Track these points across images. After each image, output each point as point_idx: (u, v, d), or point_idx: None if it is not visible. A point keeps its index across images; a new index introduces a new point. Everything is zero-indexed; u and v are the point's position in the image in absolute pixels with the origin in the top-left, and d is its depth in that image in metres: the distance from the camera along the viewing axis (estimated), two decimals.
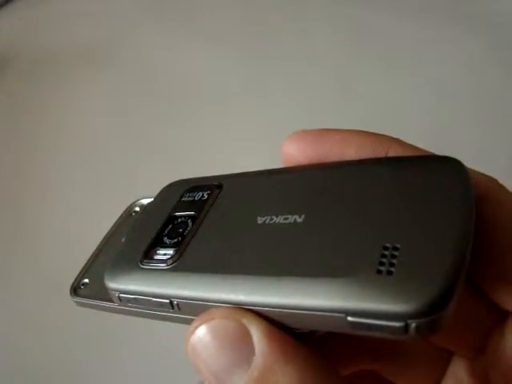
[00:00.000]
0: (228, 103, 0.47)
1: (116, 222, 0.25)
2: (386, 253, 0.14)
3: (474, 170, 0.17)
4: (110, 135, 0.45)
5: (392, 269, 0.14)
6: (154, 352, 0.32)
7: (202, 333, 0.15)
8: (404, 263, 0.14)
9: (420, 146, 0.44)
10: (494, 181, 0.17)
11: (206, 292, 0.16)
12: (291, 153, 0.19)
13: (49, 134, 0.46)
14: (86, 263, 0.24)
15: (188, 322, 0.17)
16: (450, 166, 0.16)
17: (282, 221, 0.17)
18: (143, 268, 0.19)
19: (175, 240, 0.19)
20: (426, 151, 0.18)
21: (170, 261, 0.18)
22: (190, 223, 0.19)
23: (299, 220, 0.17)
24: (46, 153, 0.44)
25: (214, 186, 0.20)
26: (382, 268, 0.14)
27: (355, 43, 0.52)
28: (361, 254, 0.14)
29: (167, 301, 0.17)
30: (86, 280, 0.24)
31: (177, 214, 0.20)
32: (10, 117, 0.48)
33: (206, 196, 0.20)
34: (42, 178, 0.42)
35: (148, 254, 0.19)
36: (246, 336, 0.14)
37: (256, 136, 0.44)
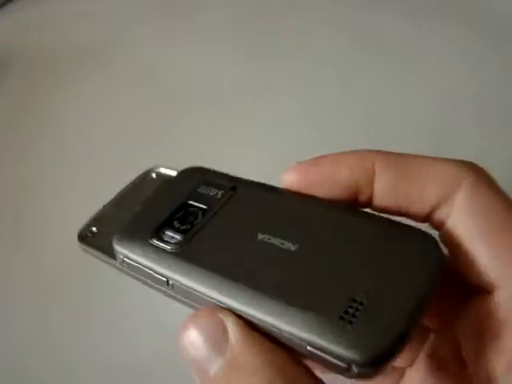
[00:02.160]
0: (228, 103, 0.47)
1: (131, 182, 0.28)
2: (353, 305, 0.16)
3: (449, 161, 0.19)
4: (110, 135, 0.45)
5: (353, 320, 0.16)
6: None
7: (188, 332, 0.18)
8: (363, 319, 0.16)
9: (421, 146, 0.45)
10: (470, 171, 0.19)
11: (197, 284, 0.19)
12: (290, 183, 0.21)
13: (49, 134, 0.46)
14: (97, 212, 0.26)
15: (177, 299, 0.20)
16: (426, 243, 0.18)
17: (277, 244, 0.19)
18: (151, 244, 0.21)
19: (184, 227, 0.21)
20: (406, 156, 0.20)
21: (176, 245, 0.20)
22: (200, 216, 0.21)
23: (292, 248, 0.19)
24: (47, 153, 0.44)
25: (229, 187, 0.22)
26: (345, 317, 0.16)
27: (355, 43, 0.53)
28: (332, 298, 0.17)
29: (165, 279, 0.20)
30: (94, 229, 0.26)
31: (190, 202, 0.22)
32: (9, 117, 0.48)
33: (219, 195, 0.22)
34: (42, 177, 0.42)
35: (157, 233, 0.21)
36: (222, 329, 0.17)
37: (256, 136, 0.44)
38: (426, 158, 0.20)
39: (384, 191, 0.20)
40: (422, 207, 0.19)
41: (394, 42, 0.52)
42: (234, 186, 0.22)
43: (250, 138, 0.44)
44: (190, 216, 0.21)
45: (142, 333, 0.32)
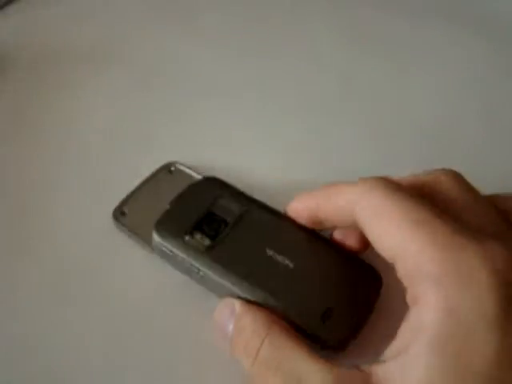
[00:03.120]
0: (230, 102, 0.47)
1: (153, 174, 0.35)
2: (327, 311, 0.27)
3: (351, 184, 0.26)
4: (112, 135, 0.45)
5: (327, 319, 0.27)
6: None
7: (219, 311, 0.28)
8: (333, 320, 0.27)
9: (421, 147, 0.44)
10: (363, 186, 0.25)
11: (220, 279, 0.28)
12: (294, 210, 0.30)
13: (50, 134, 0.46)
14: (127, 196, 0.34)
15: (200, 282, 0.29)
16: (373, 274, 0.29)
17: (280, 260, 0.28)
18: (185, 241, 0.29)
19: (211, 233, 0.29)
20: (327, 187, 0.28)
21: (207, 247, 0.29)
22: (223, 226, 0.30)
23: (290, 266, 0.28)
24: (49, 153, 0.44)
25: (243, 205, 0.30)
26: (323, 317, 0.27)
27: (357, 44, 0.53)
28: (315, 307, 0.27)
29: (196, 270, 0.28)
30: (126, 210, 0.33)
31: (214, 212, 0.30)
32: (11, 117, 0.48)
33: (237, 211, 0.30)
34: (45, 178, 0.42)
35: (191, 233, 0.29)
36: (233, 307, 0.27)
37: (256, 135, 0.44)
38: (337, 185, 0.27)
39: (323, 220, 0.28)
40: (344, 222, 0.27)
41: (395, 43, 0.52)
42: (248, 204, 0.31)
43: (250, 137, 0.44)
44: (214, 224, 0.29)
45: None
